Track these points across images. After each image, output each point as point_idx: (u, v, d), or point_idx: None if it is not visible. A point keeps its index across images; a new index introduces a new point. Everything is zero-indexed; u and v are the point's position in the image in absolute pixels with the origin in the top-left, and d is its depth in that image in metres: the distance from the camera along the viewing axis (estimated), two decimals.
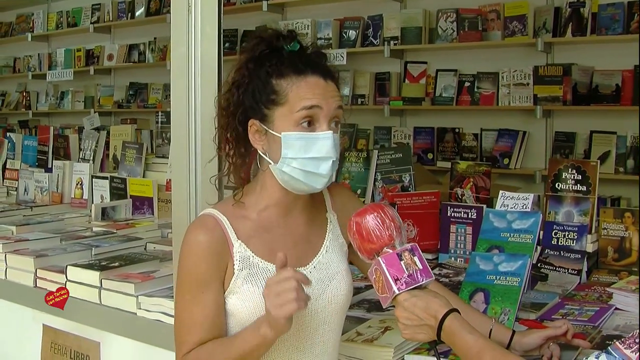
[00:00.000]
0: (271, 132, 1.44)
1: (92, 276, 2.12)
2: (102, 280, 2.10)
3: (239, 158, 1.52)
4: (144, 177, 3.36)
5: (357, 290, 1.99)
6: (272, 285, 1.33)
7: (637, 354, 1.17)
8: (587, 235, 2.27)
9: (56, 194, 3.63)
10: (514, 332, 1.55)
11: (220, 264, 1.45)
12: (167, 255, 2.30)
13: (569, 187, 2.34)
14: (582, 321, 1.81)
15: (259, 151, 1.49)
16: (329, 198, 1.62)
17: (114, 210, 3.16)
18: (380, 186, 2.82)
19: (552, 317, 1.85)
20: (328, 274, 1.53)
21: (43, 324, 2.29)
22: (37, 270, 2.29)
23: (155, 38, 6.82)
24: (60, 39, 7.84)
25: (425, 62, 5.37)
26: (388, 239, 1.37)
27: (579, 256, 2.23)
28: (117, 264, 2.23)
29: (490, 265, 1.82)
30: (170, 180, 2.81)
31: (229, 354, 1.41)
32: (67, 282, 2.17)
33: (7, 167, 4.15)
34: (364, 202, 2.73)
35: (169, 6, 1.96)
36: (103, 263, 2.24)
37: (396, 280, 1.35)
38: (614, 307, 1.93)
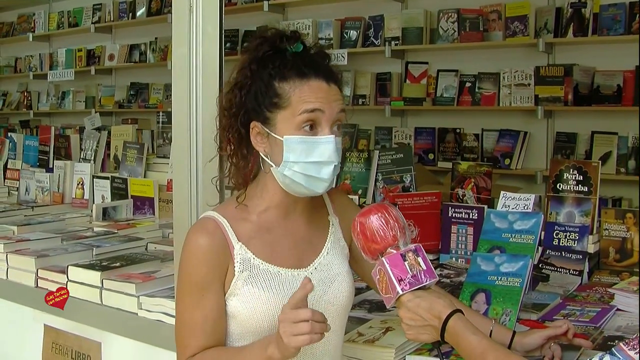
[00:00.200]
0: (273, 135, 1.44)
1: (93, 276, 2.12)
2: (103, 280, 2.10)
3: (240, 159, 1.51)
4: (144, 177, 3.36)
5: (358, 291, 1.98)
6: (289, 313, 1.32)
7: None
8: (588, 236, 2.27)
9: (57, 194, 3.63)
10: (514, 332, 1.54)
11: (221, 266, 1.45)
12: (168, 255, 2.30)
13: (570, 187, 2.34)
14: (583, 322, 1.80)
15: (260, 154, 1.48)
16: (329, 202, 1.62)
17: (115, 211, 3.16)
18: (381, 186, 2.82)
19: (554, 317, 1.84)
20: (329, 275, 1.53)
21: (44, 324, 2.29)
22: (38, 270, 2.29)
23: (156, 38, 6.83)
24: (61, 39, 7.85)
25: (426, 63, 5.37)
26: (392, 239, 1.37)
27: (581, 257, 2.23)
28: (118, 264, 2.23)
29: (491, 266, 1.82)
30: (171, 180, 2.81)
31: None
32: (68, 282, 2.17)
33: (8, 167, 4.15)
34: (364, 202, 2.74)
35: (170, 6, 1.96)
36: (104, 263, 2.24)
37: (400, 280, 1.35)
38: (616, 308, 1.93)
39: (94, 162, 3.65)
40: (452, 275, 2.27)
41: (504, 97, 4.93)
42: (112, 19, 7.18)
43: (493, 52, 5.08)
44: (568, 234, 2.28)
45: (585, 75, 4.63)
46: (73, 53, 7.50)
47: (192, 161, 1.86)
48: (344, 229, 1.59)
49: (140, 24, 6.96)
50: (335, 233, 1.58)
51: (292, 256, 1.50)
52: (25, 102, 8.11)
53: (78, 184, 3.56)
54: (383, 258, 1.37)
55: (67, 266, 2.20)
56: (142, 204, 3.22)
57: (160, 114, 3.78)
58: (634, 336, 1.21)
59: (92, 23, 7.26)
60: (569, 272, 2.22)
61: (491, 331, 1.53)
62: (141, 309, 2.01)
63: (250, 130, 1.47)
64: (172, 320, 1.84)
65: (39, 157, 4.02)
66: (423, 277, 1.36)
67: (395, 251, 1.37)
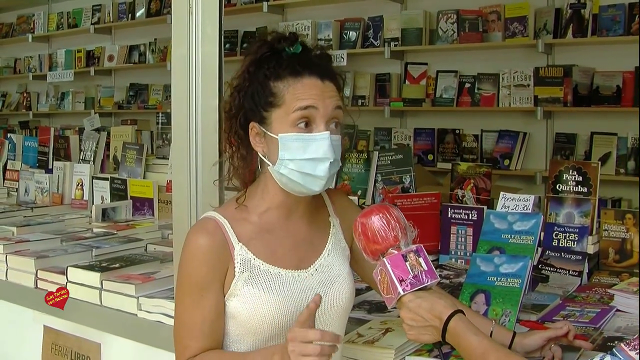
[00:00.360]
0: (269, 134, 1.45)
1: (93, 277, 2.12)
2: (103, 281, 2.10)
3: (240, 161, 1.52)
4: (144, 178, 3.36)
5: (357, 292, 1.98)
6: (298, 332, 1.31)
7: None
8: (588, 236, 2.27)
9: (57, 195, 3.63)
10: (514, 333, 1.54)
11: (221, 267, 1.45)
12: (168, 256, 2.30)
13: (569, 188, 2.34)
14: (583, 323, 1.80)
15: (259, 154, 1.49)
16: (329, 203, 1.62)
17: (115, 211, 3.15)
18: (380, 187, 2.82)
19: (553, 318, 1.85)
20: (330, 276, 1.53)
21: (44, 325, 2.29)
22: (38, 271, 2.29)
23: (155, 39, 6.82)
24: (60, 39, 7.85)
25: (426, 63, 5.37)
26: (393, 240, 1.37)
27: (580, 257, 2.23)
28: (117, 265, 2.23)
29: (491, 267, 1.82)
30: (170, 181, 2.82)
31: None
32: (68, 283, 2.17)
33: (7, 168, 4.15)
34: (364, 203, 2.73)
35: (170, 7, 1.96)
36: (104, 264, 2.24)
37: (401, 281, 1.35)
38: (615, 309, 1.92)
39: (94, 163, 3.65)
40: (451, 276, 2.27)
41: (503, 98, 4.93)
42: (111, 20, 7.18)
43: (492, 53, 5.08)
44: (567, 234, 2.28)
45: (585, 76, 4.63)
46: (72, 54, 7.50)
47: (192, 162, 1.86)
48: (345, 230, 1.59)
49: (139, 24, 6.95)
50: (336, 234, 1.58)
51: (292, 257, 1.50)
52: (24, 103, 8.11)
53: (77, 185, 3.56)
54: (384, 258, 1.37)
55: (67, 267, 2.20)
56: (142, 205, 3.22)
57: (160, 114, 3.78)
58: (634, 336, 1.21)
59: (91, 24, 7.26)
60: (569, 272, 2.22)
61: (491, 332, 1.52)
62: (141, 310, 2.01)
63: (249, 131, 1.48)
64: (171, 321, 1.83)
65: (39, 158, 4.02)
66: (424, 277, 1.36)
67: (396, 252, 1.37)
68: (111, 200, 3.34)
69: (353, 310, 1.70)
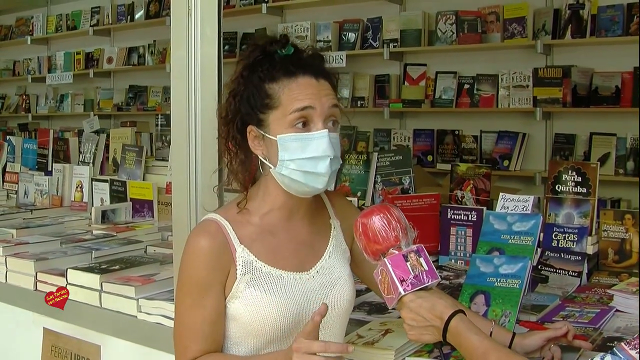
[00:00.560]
0: (268, 136, 1.45)
1: (93, 279, 2.12)
2: (103, 283, 2.10)
3: (239, 165, 1.52)
4: (143, 180, 3.36)
5: (357, 293, 1.98)
6: (303, 343, 1.31)
7: None
8: (587, 237, 2.27)
9: (56, 197, 3.62)
10: (514, 334, 1.54)
11: (222, 269, 1.45)
12: (168, 258, 2.30)
13: (569, 189, 2.34)
14: (582, 323, 1.80)
15: (259, 156, 1.49)
16: (330, 205, 1.62)
17: (114, 213, 3.15)
18: (380, 188, 2.82)
19: (553, 319, 1.85)
20: (331, 279, 1.53)
21: (43, 327, 2.29)
22: (38, 273, 2.28)
23: (154, 41, 6.83)
24: (59, 42, 7.85)
25: (425, 65, 5.37)
26: (394, 240, 1.37)
27: (580, 258, 2.23)
28: (117, 267, 2.23)
29: (490, 268, 1.81)
30: (170, 183, 2.82)
31: None
32: (68, 285, 2.17)
33: (7, 170, 4.15)
34: (363, 204, 2.74)
35: (169, 9, 1.97)
36: (103, 266, 2.24)
37: (402, 281, 1.35)
38: (615, 309, 1.92)
39: (93, 165, 3.65)
40: (451, 277, 2.27)
41: (502, 99, 4.94)
42: (110, 22, 7.18)
43: (491, 54, 5.08)
44: (567, 235, 2.28)
45: (584, 76, 4.63)
46: (71, 56, 7.50)
47: (191, 163, 1.86)
48: (345, 232, 1.59)
49: (138, 26, 6.96)
50: (337, 236, 1.59)
51: (294, 259, 1.50)
52: (23, 105, 8.11)
53: (77, 187, 3.56)
54: (385, 259, 1.37)
55: (66, 269, 2.19)
56: (141, 207, 3.22)
57: (159, 116, 3.77)
58: (634, 336, 1.21)
59: (90, 26, 7.26)
60: (568, 273, 2.22)
61: (491, 333, 1.52)
62: (140, 311, 2.01)
63: (247, 135, 1.48)
64: (171, 323, 1.83)
65: (38, 160, 4.02)
66: (425, 277, 1.36)
67: (397, 252, 1.37)
68: (111, 202, 3.34)
69: (353, 311, 1.70)
